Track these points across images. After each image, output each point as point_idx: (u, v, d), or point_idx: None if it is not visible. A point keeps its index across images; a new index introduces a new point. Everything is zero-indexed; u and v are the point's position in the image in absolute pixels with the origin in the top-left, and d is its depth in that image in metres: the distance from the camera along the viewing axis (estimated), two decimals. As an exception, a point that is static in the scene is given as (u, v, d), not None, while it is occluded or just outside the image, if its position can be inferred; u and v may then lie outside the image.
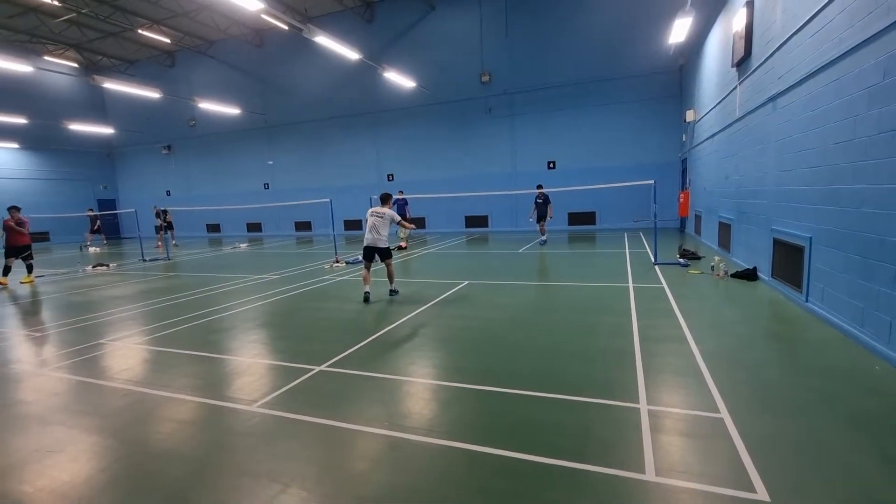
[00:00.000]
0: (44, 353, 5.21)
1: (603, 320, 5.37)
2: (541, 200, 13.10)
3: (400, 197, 14.52)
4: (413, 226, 8.24)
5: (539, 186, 13.31)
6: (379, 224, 6.90)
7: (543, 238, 13.40)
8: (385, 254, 7.01)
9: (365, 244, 6.92)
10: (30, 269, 10.59)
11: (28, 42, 21.23)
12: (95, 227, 19.67)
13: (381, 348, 4.74)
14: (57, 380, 4.29)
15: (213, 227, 25.51)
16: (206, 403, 3.58)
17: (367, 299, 6.72)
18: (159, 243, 18.32)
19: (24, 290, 9.49)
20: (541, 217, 13.18)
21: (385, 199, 7.25)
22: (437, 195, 17.53)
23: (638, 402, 3.22)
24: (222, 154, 24.43)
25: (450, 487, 2.42)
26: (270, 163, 22.63)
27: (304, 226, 22.98)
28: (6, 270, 10.11)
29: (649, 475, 2.41)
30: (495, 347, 4.65)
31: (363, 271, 6.94)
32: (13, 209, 10.54)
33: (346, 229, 21.44)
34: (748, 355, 4.08)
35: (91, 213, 20.08)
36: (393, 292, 7.19)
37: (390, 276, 7.20)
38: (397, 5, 19.00)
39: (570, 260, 10.57)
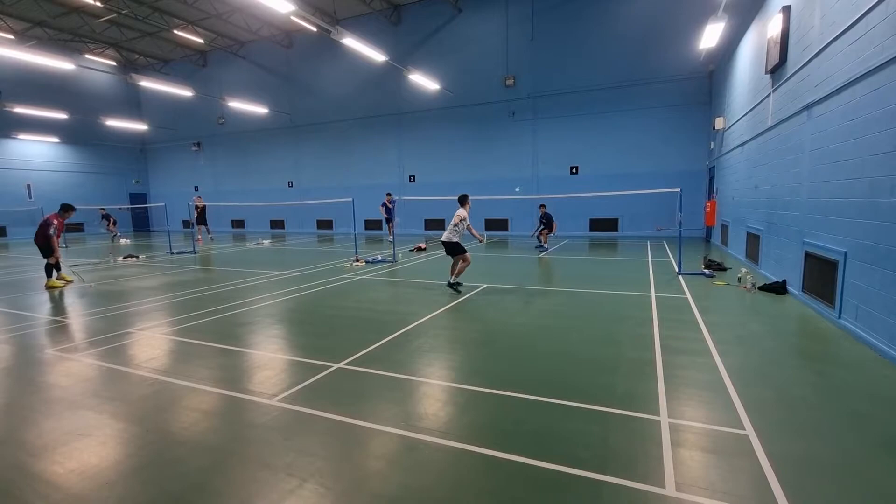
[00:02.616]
0: (76, 339, 5.41)
1: (624, 329, 5.28)
2: (545, 221, 13.75)
3: (388, 199, 16.13)
4: (481, 236, 8.75)
5: (542, 206, 14.01)
6: (454, 222, 7.58)
7: (545, 246, 13.81)
8: (452, 248, 7.54)
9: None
10: (58, 267, 9.15)
11: (71, 41, 22.18)
12: (110, 221, 20.14)
13: (399, 348, 4.76)
14: (87, 366, 4.45)
15: (238, 223, 26.10)
16: (228, 395, 3.67)
17: (450, 284, 7.53)
18: (199, 238, 18.49)
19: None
20: (547, 229, 13.85)
21: (462, 201, 7.82)
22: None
23: (659, 415, 3.15)
24: (249, 152, 25.01)
25: (466, 492, 2.41)
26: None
27: (325, 224, 23.30)
28: (52, 270, 9.00)
29: (669, 490, 2.36)
30: (513, 352, 4.62)
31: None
32: (70, 209, 9.22)
33: (366, 229, 21.66)
34: (776, 371, 3.95)
35: (103, 211, 20.26)
36: (452, 285, 7.57)
37: (453, 269, 7.66)
38: (424, 8, 19.14)
39: (591, 266, 10.43)
